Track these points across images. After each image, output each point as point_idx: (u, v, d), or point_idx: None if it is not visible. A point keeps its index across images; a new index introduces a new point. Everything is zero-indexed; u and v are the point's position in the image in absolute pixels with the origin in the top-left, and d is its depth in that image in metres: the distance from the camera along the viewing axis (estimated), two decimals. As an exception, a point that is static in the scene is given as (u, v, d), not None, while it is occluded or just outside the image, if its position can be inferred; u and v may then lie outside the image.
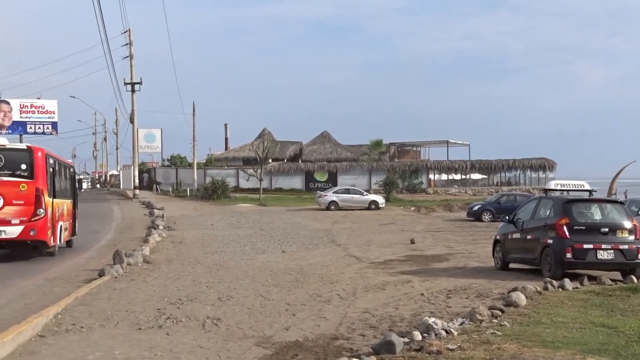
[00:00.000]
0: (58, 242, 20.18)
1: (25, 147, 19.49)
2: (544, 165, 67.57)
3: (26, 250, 19.08)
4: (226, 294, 12.93)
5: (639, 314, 9.75)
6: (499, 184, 67.99)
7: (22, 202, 18.05)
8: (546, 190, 17.41)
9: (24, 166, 18.33)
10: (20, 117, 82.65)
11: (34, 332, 9.31)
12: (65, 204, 21.70)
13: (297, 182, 66.68)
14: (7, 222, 17.80)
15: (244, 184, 63.02)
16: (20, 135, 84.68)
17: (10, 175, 18.12)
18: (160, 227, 29.28)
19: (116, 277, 14.97)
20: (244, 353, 8.44)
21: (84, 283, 14.20)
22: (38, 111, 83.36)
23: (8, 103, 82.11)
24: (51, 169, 19.83)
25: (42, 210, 18.23)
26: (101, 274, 15.10)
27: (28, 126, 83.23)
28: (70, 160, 35.26)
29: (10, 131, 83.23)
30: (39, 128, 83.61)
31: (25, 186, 18.10)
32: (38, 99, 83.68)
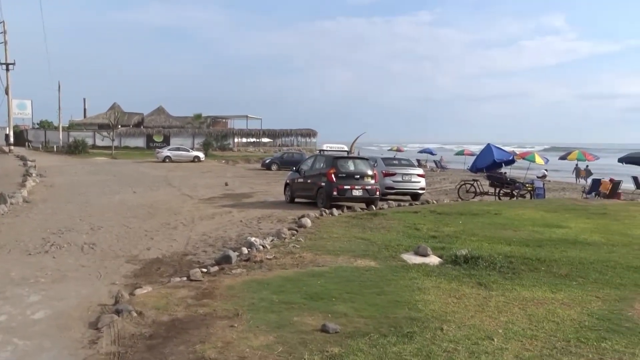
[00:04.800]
0: None
1: None
2: (309, 133, 69.48)
3: None
4: (96, 224, 11.69)
5: (381, 230, 10.33)
6: (281, 145, 68.85)
7: None
8: (321, 150, 17.83)
9: None
10: None
11: None
12: None
13: (140, 142, 62.45)
14: None
15: (99, 142, 57.91)
16: None
17: None
18: (34, 175, 25.79)
19: (2, 214, 12.94)
20: (118, 269, 7.70)
21: (-26, 219, 12.14)
22: None
23: None
24: None
25: None
26: (-12, 212, 13.02)
27: None
28: None
29: None
30: None
31: None
32: None
